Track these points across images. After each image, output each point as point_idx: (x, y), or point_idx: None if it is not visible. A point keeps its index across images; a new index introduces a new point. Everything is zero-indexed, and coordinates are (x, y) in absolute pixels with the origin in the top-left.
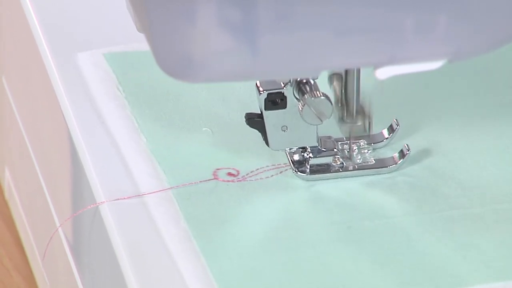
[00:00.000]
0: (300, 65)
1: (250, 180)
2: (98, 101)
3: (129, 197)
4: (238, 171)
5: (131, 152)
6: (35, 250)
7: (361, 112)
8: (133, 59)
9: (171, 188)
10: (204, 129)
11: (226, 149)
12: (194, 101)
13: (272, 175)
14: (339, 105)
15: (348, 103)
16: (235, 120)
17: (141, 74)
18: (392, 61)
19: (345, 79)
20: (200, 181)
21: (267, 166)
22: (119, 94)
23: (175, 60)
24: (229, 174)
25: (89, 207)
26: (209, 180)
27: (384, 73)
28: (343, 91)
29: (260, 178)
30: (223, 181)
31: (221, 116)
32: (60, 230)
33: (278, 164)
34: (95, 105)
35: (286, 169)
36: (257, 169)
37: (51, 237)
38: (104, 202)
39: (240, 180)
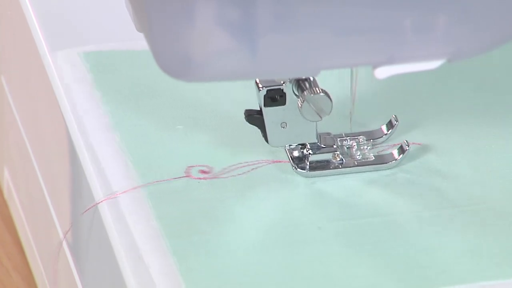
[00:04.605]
0: (299, 64)
1: (222, 178)
2: (75, 100)
3: (102, 200)
4: (210, 168)
5: (104, 151)
6: (35, 250)
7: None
8: (109, 58)
9: (143, 185)
10: (178, 127)
11: (199, 147)
12: (169, 101)
13: (244, 172)
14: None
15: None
16: (209, 119)
17: (116, 73)
18: (391, 60)
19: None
20: (172, 178)
21: (240, 163)
22: (95, 93)
23: (174, 60)
24: (202, 171)
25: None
26: (181, 177)
27: (383, 72)
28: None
29: (232, 176)
30: (195, 178)
31: (195, 115)
32: (59, 230)
33: (252, 162)
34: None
35: (259, 166)
36: (230, 166)
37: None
38: (101, 201)
39: (212, 178)
